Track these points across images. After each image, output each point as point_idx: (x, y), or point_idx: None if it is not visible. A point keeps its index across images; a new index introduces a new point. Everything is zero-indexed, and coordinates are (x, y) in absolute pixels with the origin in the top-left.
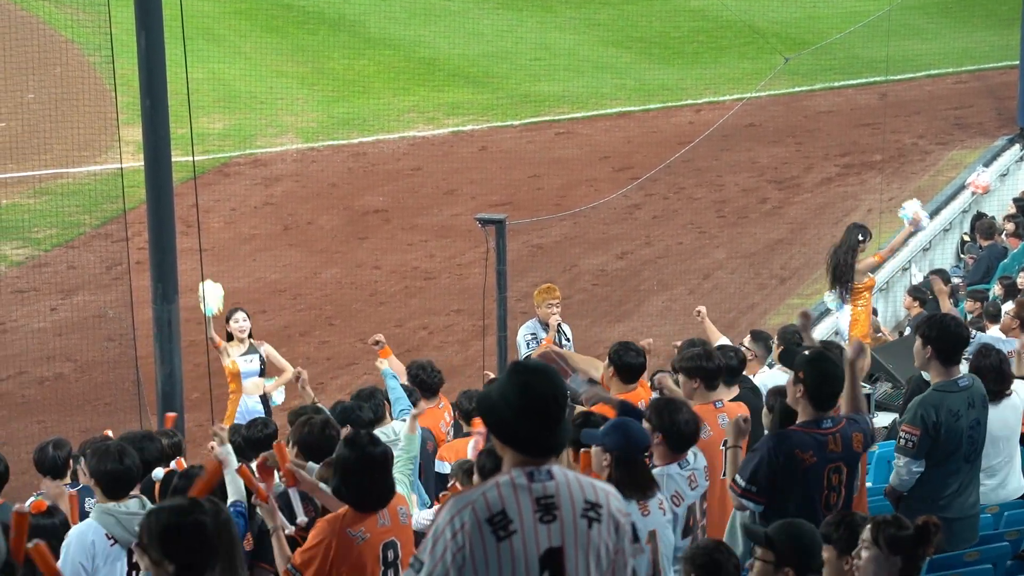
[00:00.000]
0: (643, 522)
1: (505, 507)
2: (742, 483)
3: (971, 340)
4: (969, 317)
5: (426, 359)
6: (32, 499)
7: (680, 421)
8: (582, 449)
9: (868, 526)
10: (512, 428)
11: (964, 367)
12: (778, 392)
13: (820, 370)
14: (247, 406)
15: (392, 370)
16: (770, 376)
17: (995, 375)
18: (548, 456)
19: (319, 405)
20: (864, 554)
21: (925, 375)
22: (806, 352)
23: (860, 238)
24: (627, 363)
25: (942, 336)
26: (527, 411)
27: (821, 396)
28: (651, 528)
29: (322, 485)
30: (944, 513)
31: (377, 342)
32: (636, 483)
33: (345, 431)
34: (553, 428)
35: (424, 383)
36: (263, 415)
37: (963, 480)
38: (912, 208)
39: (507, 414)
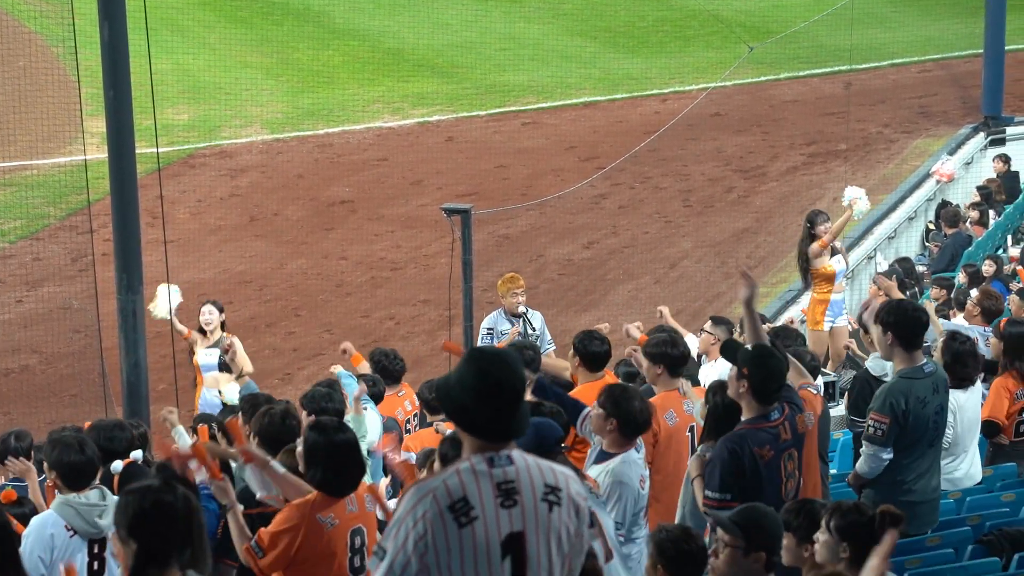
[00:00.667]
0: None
1: (466, 493)
2: (716, 495)
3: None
4: (935, 304)
5: (389, 347)
6: None
7: (634, 408)
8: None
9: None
10: (471, 414)
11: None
12: (719, 388)
13: (764, 366)
14: (206, 399)
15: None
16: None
17: (971, 360)
18: (507, 441)
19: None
20: (820, 538)
21: (872, 370)
22: (749, 348)
23: (808, 223)
24: (592, 351)
25: (901, 321)
26: (485, 396)
27: (766, 391)
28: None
29: (274, 463)
30: (908, 497)
31: (344, 351)
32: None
33: (309, 419)
34: (512, 413)
35: (386, 369)
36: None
37: (927, 464)
38: (851, 193)
39: (466, 400)
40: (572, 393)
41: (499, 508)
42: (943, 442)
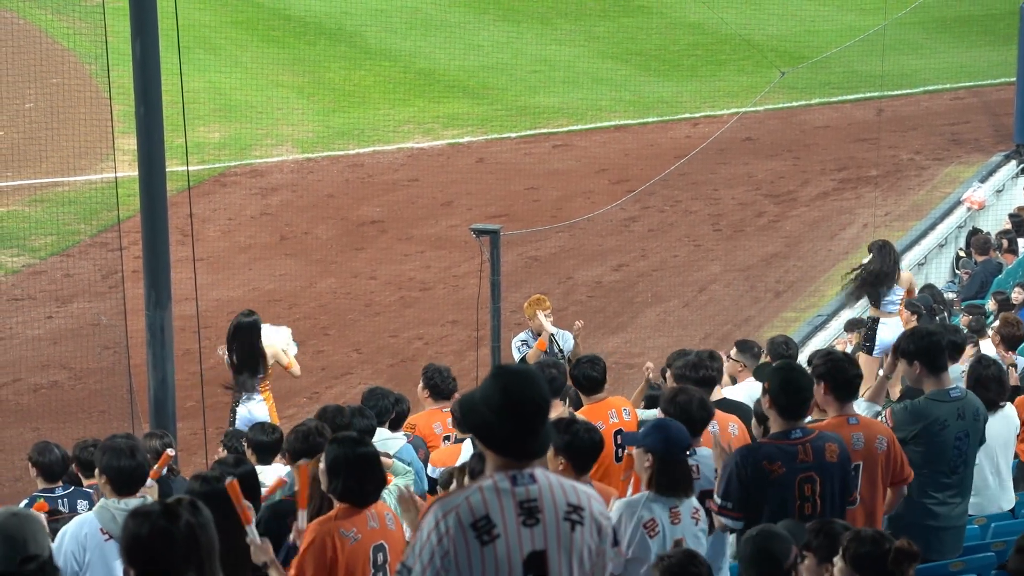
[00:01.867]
0: (671, 529)
1: (489, 512)
2: (718, 500)
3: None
4: (966, 332)
5: (444, 365)
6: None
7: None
8: (624, 451)
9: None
10: (494, 431)
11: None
12: None
13: (785, 380)
14: (242, 415)
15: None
16: (757, 388)
17: (996, 385)
18: (531, 459)
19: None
20: (837, 563)
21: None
22: (772, 363)
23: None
24: (586, 375)
25: (920, 348)
26: (508, 414)
27: (787, 406)
28: (678, 536)
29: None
30: (933, 521)
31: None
32: (676, 483)
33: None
34: (535, 431)
35: (437, 387)
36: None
37: (952, 491)
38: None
39: (489, 417)
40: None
41: (521, 527)
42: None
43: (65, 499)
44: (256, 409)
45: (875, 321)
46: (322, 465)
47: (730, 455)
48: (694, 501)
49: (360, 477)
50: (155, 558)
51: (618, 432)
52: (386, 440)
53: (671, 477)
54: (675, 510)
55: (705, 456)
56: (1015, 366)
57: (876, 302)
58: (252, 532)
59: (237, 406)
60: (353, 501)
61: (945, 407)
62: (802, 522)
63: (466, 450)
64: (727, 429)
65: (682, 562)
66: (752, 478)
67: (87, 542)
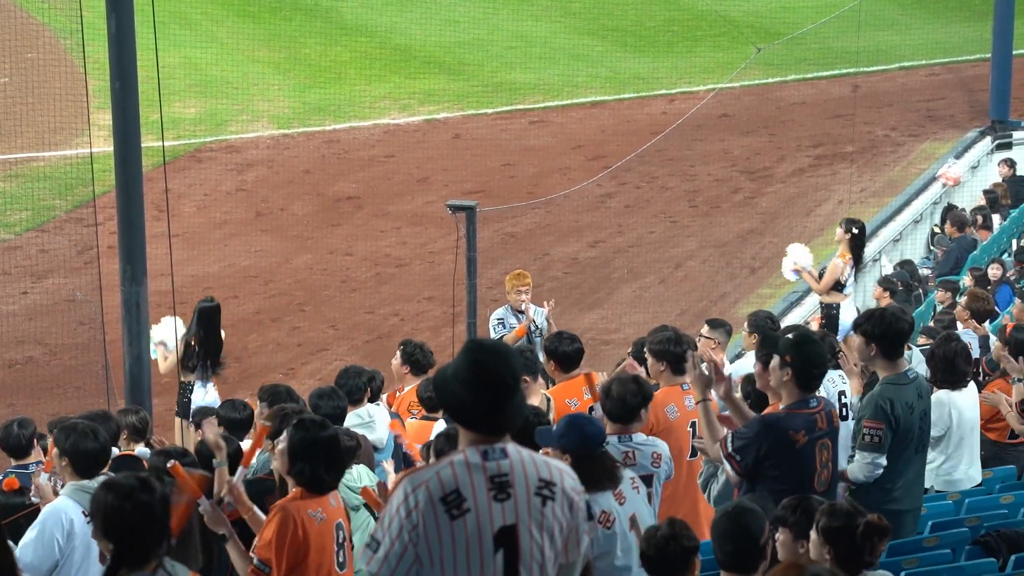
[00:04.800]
0: (621, 510)
1: (459, 486)
2: (729, 446)
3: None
4: (939, 308)
5: (422, 340)
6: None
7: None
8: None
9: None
10: (466, 406)
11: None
12: (750, 380)
13: (807, 352)
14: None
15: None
16: (734, 367)
17: (963, 360)
18: (502, 434)
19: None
20: (811, 535)
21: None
22: (790, 336)
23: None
24: (563, 351)
25: (885, 333)
26: (480, 389)
27: (809, 378)
28: (630, 513)
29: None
30: (896, 505)
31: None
32: (599, 476)
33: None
34: (506, 406)
35: (417, 362)
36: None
37: (913, 472)
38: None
39: (461, 392)
40: (551, 391)
41: (492, 501)
42: (940, 442)
43: (53, 476)
44: (210, 395)
45: (834, 307)
46: (281, 446)
47: (755, 420)
48: (629, 472)
49: (322, 465)
50: (135, 531)
51: (591, 408)
52: (369, 423)
53: (593, 472)
54: (617, 492)
55: (641, 443)
56: (988, 336)
57: (840, 288)
58: (203, 502)
59: (192, 392)
60: (314, 489)
61: (907, 388)
62: (819, 489)
63: (439, 428)
64: (684, 403)
65: (668, 536)
66: (773, 448)
67: (72, 527)
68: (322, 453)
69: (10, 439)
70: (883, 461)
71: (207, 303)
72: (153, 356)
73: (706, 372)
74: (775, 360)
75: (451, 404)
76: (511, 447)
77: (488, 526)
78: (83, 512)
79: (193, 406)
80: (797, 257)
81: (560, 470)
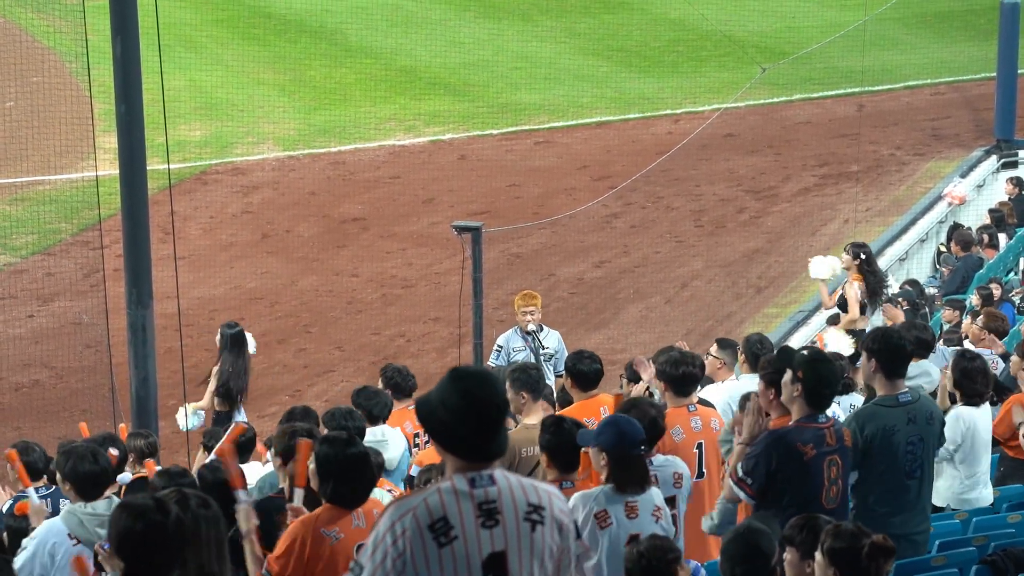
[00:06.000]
0: (627, 524)
1: (447, 513)
2: (740, 472)
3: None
4: (946, 327)
5: (402, 364)
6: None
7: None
8: (581, 449)
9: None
10: (453, 433)
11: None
12: (746, 398)
13: (819, 371)
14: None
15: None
16: (737, 386)
17: (980, 377)
18: (489, 461)
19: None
20: (816, 556)
21: None
22: (804, 352)
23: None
24: (581, 371)
25: (886, 349)
26: (467, 416)
27: (819, 396)
28: (634, 532)
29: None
30: (886, 530)
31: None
32: (633, 479)
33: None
34: (494, 433)
35: (398, 385)
36: None
37: (909, 498)
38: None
39: (448, 419)
40: (566, 412)
41: (480, 528)
42: (944, 454)
43: (48, 499)
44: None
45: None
46: (312, 466)
47: (764, 435)
48: (655, 499)
49: (350, 480)
50: (146, 552)
51: (651, 393)
52: (383, 442)
53: (627, 472)
54: (631, 504)
55: (661, 464)
56: (1006, 353)
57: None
58: (243, 495)
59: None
60: (343, 504)
61: (893, 412)
62: (827, 505)
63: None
64: (709, 424)
65: (652, 548)
66: (781, 462)
67: (56, 550)
68: (349, 471)
69: (36, 463)
70: (851, 479)
71: (233, 328)
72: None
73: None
74: (787, 375)
75: (438, 431)
76: (498, 473)
77: (476, 553)
78: (69, 534)
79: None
80: (820, 270)
81: (549, 493)
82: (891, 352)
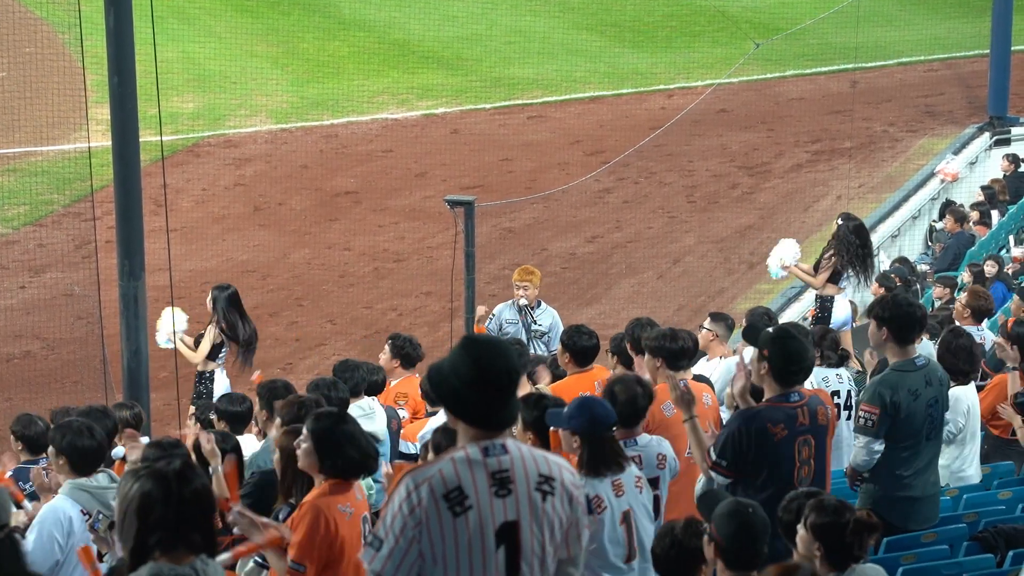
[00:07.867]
0: (617, 501)
1: (461, 483)
2: (713, 456)
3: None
4: (938, 303)
5: (410, 334)
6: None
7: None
8: (551, 429)
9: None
10: (465, 402)
11: (929, 347)
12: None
13: (785, 348)
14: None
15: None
16: (732, 361)
17: (966, 355)
18: (502, 429)
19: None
20: (799, 531)
21: None
22: (770, 330)
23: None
24: (580, 346)
25: (896, 316)
26: (480, 385)
27: (787, 373)
28: (624, 508)
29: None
30: (908, 492)
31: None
32: (606, 459)
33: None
34: (506, 401)
35: (408, 356)
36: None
37: (925, 460)
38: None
39: (459, 388)
40: (559, 385)
41: (493, 497)
42: (950, 436)
43: (47, 471)
44: (224, 381)
45: (828, 299)
46: (306, 444)
47: (733, 416)
48: (635, 470)
49: (353, 449)
50: (166, 515)
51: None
52: (370, 415)
53: (601, 454)
54: (617, 482)
55: (645, 445)
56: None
57: (836, 280)
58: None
59: (214, 381)
60: (349, 474)
61: (913, 376)
62: (799, 486)
63: (435, 422)
64: (701, 399)
65: (685, 534)
66: (754, 441)
67: (71, 526)
68: (349, 441)
69: (39, 437)
70: (877, 446)
71: (226, 288)
72: (168, 346)
73: (686, 391)
74: (754, 353)
75: (450, 400)
76: (511, 442)
77: (490, 522)
78: (81, 511)
79: (215, 396)
80: (784, 253)
81: (559, 465)
82: (902, 319)
